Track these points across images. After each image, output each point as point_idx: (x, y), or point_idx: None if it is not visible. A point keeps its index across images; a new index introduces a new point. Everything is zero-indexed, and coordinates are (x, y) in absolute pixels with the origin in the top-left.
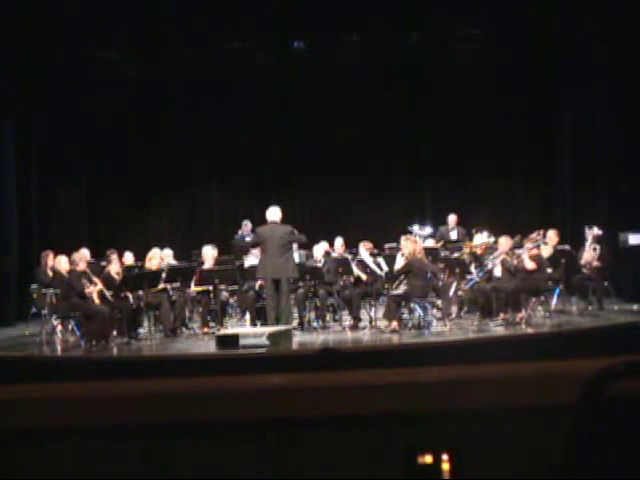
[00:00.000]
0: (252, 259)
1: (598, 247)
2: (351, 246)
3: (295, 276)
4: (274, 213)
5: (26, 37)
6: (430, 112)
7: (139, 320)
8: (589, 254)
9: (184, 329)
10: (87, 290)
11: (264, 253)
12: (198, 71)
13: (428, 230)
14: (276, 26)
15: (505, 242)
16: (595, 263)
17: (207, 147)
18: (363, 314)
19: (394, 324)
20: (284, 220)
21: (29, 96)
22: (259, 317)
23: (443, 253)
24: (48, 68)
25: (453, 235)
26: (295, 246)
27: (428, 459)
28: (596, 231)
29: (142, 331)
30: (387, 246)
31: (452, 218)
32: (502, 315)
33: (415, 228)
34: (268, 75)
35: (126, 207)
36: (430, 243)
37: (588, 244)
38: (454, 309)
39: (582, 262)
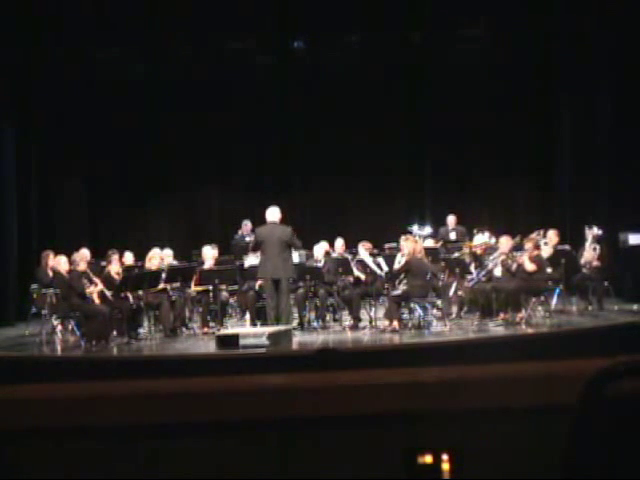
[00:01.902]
0: (252, 259)
1: (598, 247)
2: (351, 246)
3: (293, 276)
4: (273, 213)
5: (26, 37)
6: (430, 112)
7: (139, 320)
8: (589, 254)
9: (184, 329)
10: (87, 290)
11: (263, 253)
12: (198, 71)
13: (428, 230)
14: (276, 26)
15: (506, 242)
16: (595, 263)
17: (207, 147)
18: (363, 314)
19: (394, 324)
20: (284, 220)
21: (29, 96)
22: (259, 317)
23: (443, 253)
24: (48, 68)
25: (453, 236)
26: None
27: (428, 459)
28: (596, 231)
29: (142, 331)
30: (387, 246)
31: (451, 219)
32: (502, 315)
33: (414, 228)
34: (268, 75)
35: (126, 207)
36: (430, 243)
37: (588, 244)
38: (454, 309)
39: (582, 262)
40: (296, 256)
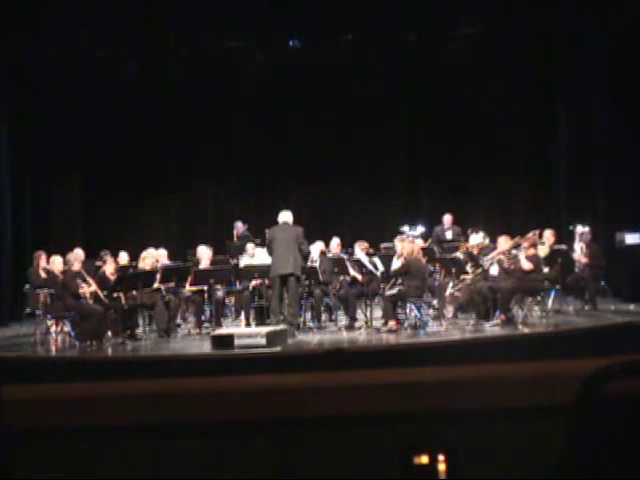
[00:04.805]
0: (247, 259)
1: (583, 245)
2: (347, 246)
3: (298, 274)
4: (286, 216)
5: (23, 36)
6: (428, 112)
7: (134, 320)
8: (577, 253)
9: (178, 329)
10: (81, 290)
11: (274, 252)
12: (196, 71)
13: (420, 230)
14: (274, 26)
15: (504, 242)
16: (584, 260)
17: (202, 147)
18: (359, 314)
19: (392, 323)
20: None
21: (25, 95)
22: (255, 317)
23: (439, 253)
24: (45, 67)
25: (448, 235)
26: None
27: (424, 459)
28: (580, 229)
29: (137, 331)
30: (383, 246)
31: (447, 218)
32: (499, 315)
33: (406, 229)
34: (266, 75)
35: (121, 207)
36: (420, 243)
37: (576, 243)
38: (450, 309)
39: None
40: None
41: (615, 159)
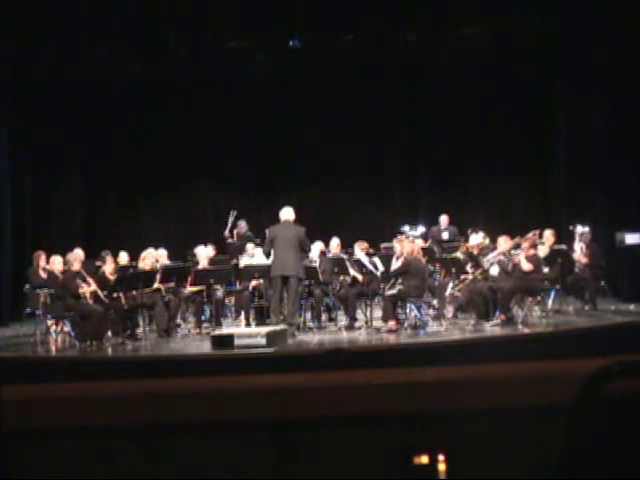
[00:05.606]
0: (247, 259)
1: (583, 245)
2: (347, 246)
3: (302, 277)
4: (287, 213)
5: (22, 36)
6: (427, 112)
7: (134, 320)
8: (577, 253)
9: (178, 329)
10: (81, 290)
11: (275, 251)
12: (196, 71)
13: (420, 230)
14: (274, 26)
15: (504, 242)
16: (583, 260)
17: (202, 147)
18: (359, 314)
19: (392, 323)
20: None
21: (24, 95)
22: (255, 317)
23: (438, 253)
24: (44, 67)
25: (445, 235)
26: None
27: (424, 459)
28: (580, 229)
29: (137, 331)
30: (383, 246)
31: (443, 218)
32: (499, 315)
33: (406, 229)
34: (266, 75)
35: (121, 207)
36: (420, 243)
37: (576, 243)
38: (450, 309)
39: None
40: None
41: (615, 159)
